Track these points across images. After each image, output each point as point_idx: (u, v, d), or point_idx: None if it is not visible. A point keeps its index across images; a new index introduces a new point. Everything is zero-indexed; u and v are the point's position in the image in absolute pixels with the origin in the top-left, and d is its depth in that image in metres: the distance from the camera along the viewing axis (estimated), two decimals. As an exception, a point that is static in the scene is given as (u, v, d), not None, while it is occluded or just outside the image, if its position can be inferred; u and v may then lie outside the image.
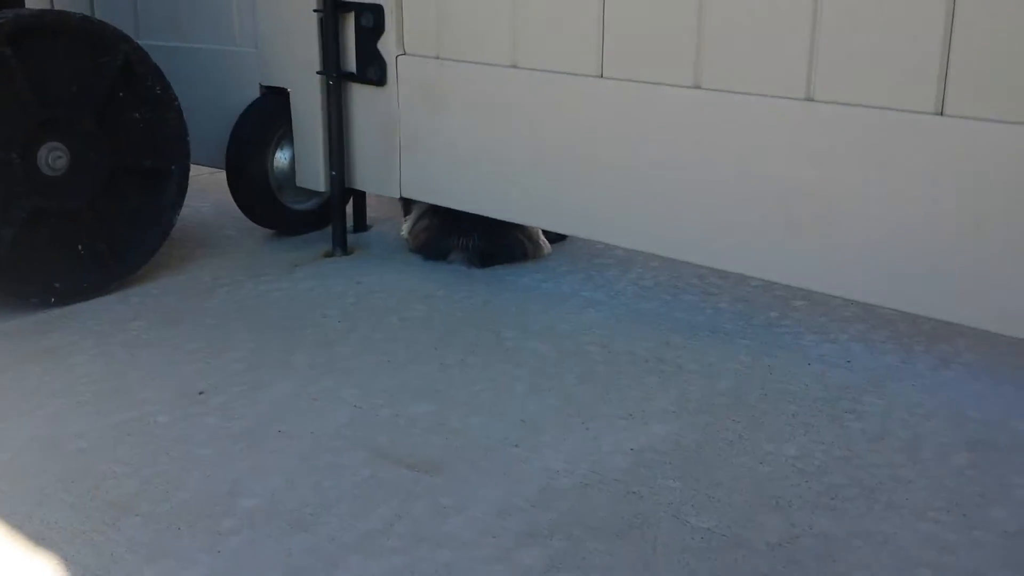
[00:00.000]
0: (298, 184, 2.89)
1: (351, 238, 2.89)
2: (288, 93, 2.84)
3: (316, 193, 3.01)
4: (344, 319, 2.31)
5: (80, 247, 2.41)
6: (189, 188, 2.60)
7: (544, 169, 2.40)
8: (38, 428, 1.78)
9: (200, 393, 1.93)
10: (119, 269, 2.49)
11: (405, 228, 2.84)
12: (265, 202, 2.87)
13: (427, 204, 2.75)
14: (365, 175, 2.78)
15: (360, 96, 2.72)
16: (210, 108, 2.98)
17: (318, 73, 2.72)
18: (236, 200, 2.91)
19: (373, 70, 2.67)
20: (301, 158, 2.85)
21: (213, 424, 1.80)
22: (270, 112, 2.85)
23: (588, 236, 2.42)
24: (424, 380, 1.98)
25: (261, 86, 2.91)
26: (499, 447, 1.70)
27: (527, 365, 2.05)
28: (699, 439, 1.71)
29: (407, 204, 2.89)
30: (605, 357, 2.08)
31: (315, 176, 2.84)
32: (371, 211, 3.11)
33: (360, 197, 2.99)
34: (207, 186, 3.47)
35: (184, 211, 2.61)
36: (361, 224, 3.02)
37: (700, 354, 2.08)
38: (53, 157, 2.34)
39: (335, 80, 2.69)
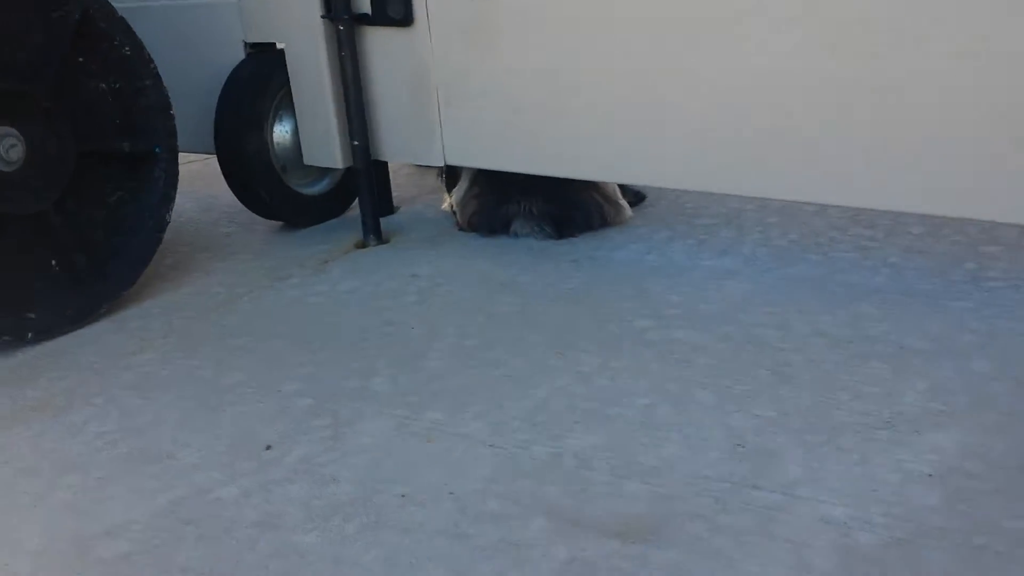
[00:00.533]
0: (306, 162, 2.33)
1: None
2: (282, 50, 2.27)
3: (326, 172, 2.45)
4: (418, 323, 1.77)
5: (53, 262, 1.82)
6: (180, 175, 2.03)
7: (637, 111, 1.89)
8: (53, 527, 1.22)
9: (267, 448, 1.38)
10: (106, 287, 1.91)
11: (451, 201, 2.31)
12: (268, 188, 2.30)
13: (475, 170, 2.22)
14: (394, 143, 2.23)
15: (379, 42, 2.17)
16: (184, 78, 2.40)
17: (323, 18, 2.16)
18: (233, 188, 2.33)
19: (395, 6, 2.11)
20: (307, 130, 2.29)
21: (302, 494, 1.26)
22: (261, 76, 2.27)
23: (699, 188, 1.90)
24: (566, 398, 1.47)
25: (246, 44, 2.33)
26: (734, 491, 1.19)
27: (694, 364, 1.54)
28: (1008, 446, 1.23)
29: (450, 174, 2.34)
30: (791, 342, 1.59)
31: (328, 150, 2.28)
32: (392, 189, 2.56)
33: (382, 173, 2.43)
34: (186, 178, 2.87)
35: (177, 205, 2.04)
36: (386, 206, 2.47)
37: (913, 326, 1.59)
38: (4, 147, 1.74)
39: (346, 24, 2.13)
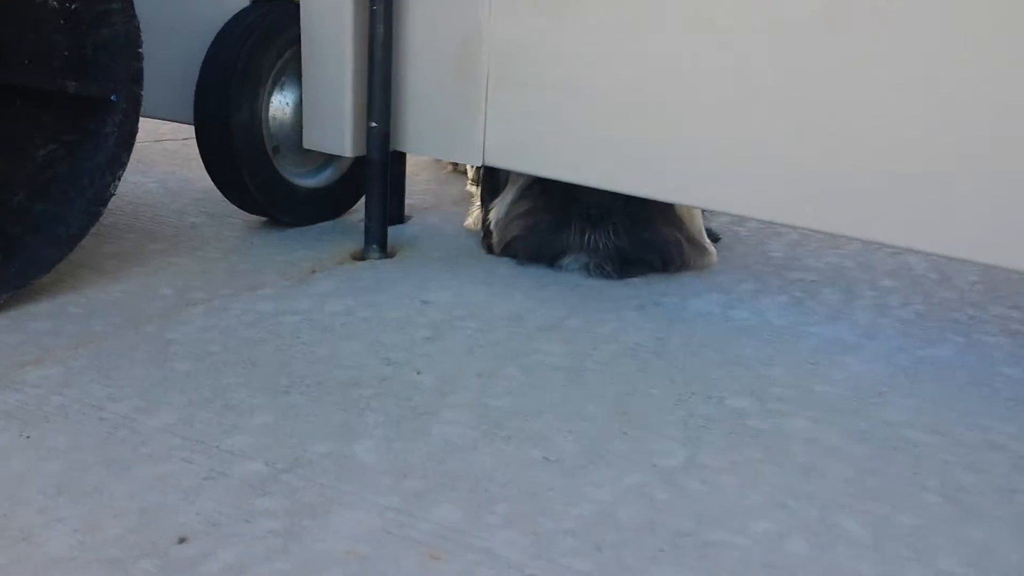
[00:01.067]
0: (306, 146, 1.87)
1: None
2: (298, 2, 1.82)
3: (329, 161, 1.99)
4: (427, 368, 1.30)
5: (-62, 229, 1.35)
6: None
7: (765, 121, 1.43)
8: None
9: (180, 542, 0.90)
10: (11, 269, 1.44)
11: (483, 216, 1.83)
12: (255, 172, 1.83)
13: (525, 180, 1.75)
14: (422, 131, 1.77)
15: (419, 12, 1.71)
16: (172, 28, 1.94)
17: (354, -38, 1.71)
18: (209, 167, 1.87)
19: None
20: (313, 103, 1.83)
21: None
22: (265, 27, 1.82)
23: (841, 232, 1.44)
24: (643, 506, 0.99)
25: (251, -9, 1.88)
26: None
27: (827, 474, 1.07)
28: None
29: (488, 181, 1.87)
30: (959, 455, 1.12)
31: (336, 133, 1.82)
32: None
33: (397, 170, 1.97)
34: (151, 156, 2.42)
35: (120, 187, 1.57)
36: (396, 212, 2.00)
37: None
38: None
39: (381, -29, 1.68)
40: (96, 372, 1.23)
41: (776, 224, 1.70)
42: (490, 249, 1.80)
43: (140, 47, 1.55)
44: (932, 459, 1.11)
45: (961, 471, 1.09)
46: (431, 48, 1.71)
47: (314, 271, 1.66)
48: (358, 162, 1.94)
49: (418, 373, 1.28)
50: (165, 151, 2.57)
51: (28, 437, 1.06)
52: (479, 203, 1.96)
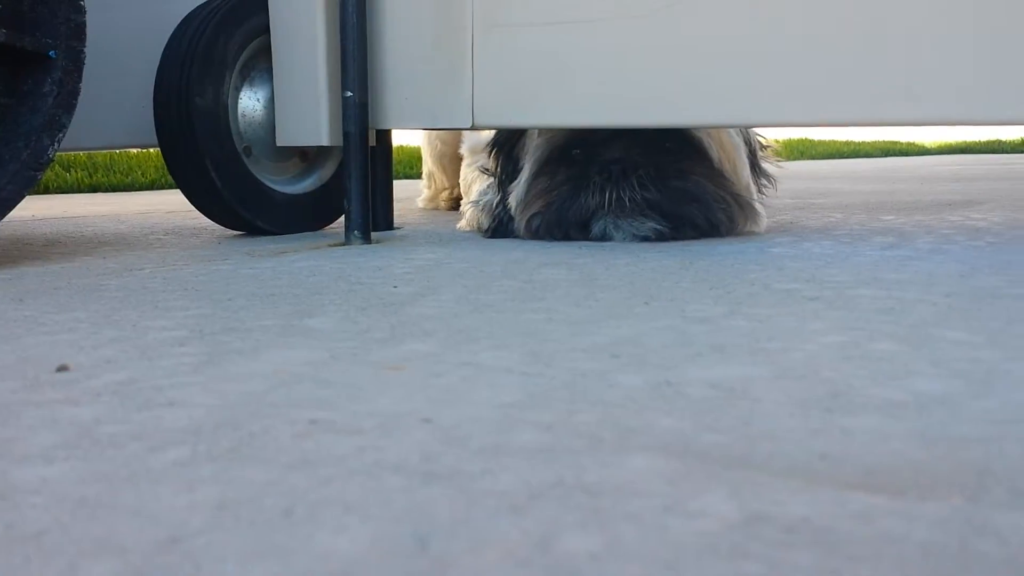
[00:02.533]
0: (279, 142, 1.73)
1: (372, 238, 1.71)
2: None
3: (311, 169, 1.85)
4: (404, 285, 1.11)
5: None
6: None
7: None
8: None
9: (59, 369, 0.70)
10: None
11: (512, 200, 1.60)
12: (221, 166, 1.69)
13: (543, 153, 1.57)
14: (404, 101, 1.63)
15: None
16: (121, 36, 1.85)
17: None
18: (173, 171, 1.73)
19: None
20: (287, 92, 1.70)
21: (87, 416, 0.57)
22: (229, 14, 1.71)
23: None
24: (672, 336, 0.78)
25: (220, -18, 1.79)
26: None
27: (912, 312, 0.85)
28: None
29: (505, 162, 1.68)
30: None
31: (311, 120, 1.68)
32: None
33: (383, 157, 1.81)
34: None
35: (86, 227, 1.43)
36: (383, 214, 1.83)
37: None
38: None
39: (353, -56, 1.59)
40: (38, 298, 1.05)
41: (802, 125, 1.50)
42: (498, 234, 1.62)
43: (82, 0, 1.44)
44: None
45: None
46: (407, 18, 1.59)
47: (285, 253, 1.49)
48: (343, 168, 1.79)
49: (394, 287, 1.09)
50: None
51: None
52: (474, 198, 1.80)
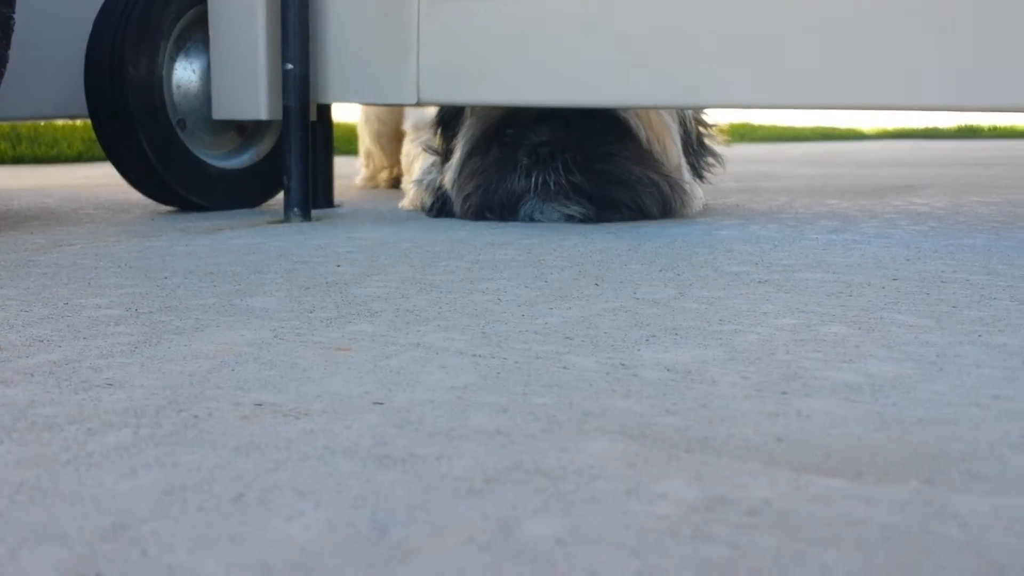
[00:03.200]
0: (215, 115, 1.70)
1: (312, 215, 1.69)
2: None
3: (248, 143, 1.82)
4: (348, 264, 1.09)
5: None
6: None
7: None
8: None
9: (-15, 344, 0.68)
10: None
11: (446, 181, 1.61)
12: (154, 140, 1.65)
13: (477, 131, 1.57)
14: (346, 75, 1.61)
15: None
16: (52, 2, 1.80)
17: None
18: (101, 138, 1.69)
19: None
20: (225, 66, 1.67)
21: (18, 396, 0.55)
22: (167, -15, 1.67)
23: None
24: (624, 318, 0.78)
25: (153, -52, 1.75)
26: None
27: (861, 296, 0.87)
28: None
29: (443, 143, 1.68)
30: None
31: (251, 96, 1.65)
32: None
33: (322, 148, 1.79)
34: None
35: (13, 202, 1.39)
36: (324, 190, 1.81)
37: None
38: None
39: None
40: (-76, 268, 1.01)
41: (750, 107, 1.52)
42: (442, 213, 1.61)
43: (10, -38, 1.39)
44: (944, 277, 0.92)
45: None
46: (352, -26, 1.57)
47: (221, 230, 1.46)
48: (282, 141, 1.77)
49: (338, 266, 1.08)
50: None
51: None
52: (415, 177, 1.79)
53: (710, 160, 1.69)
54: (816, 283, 0.94)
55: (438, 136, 1.70)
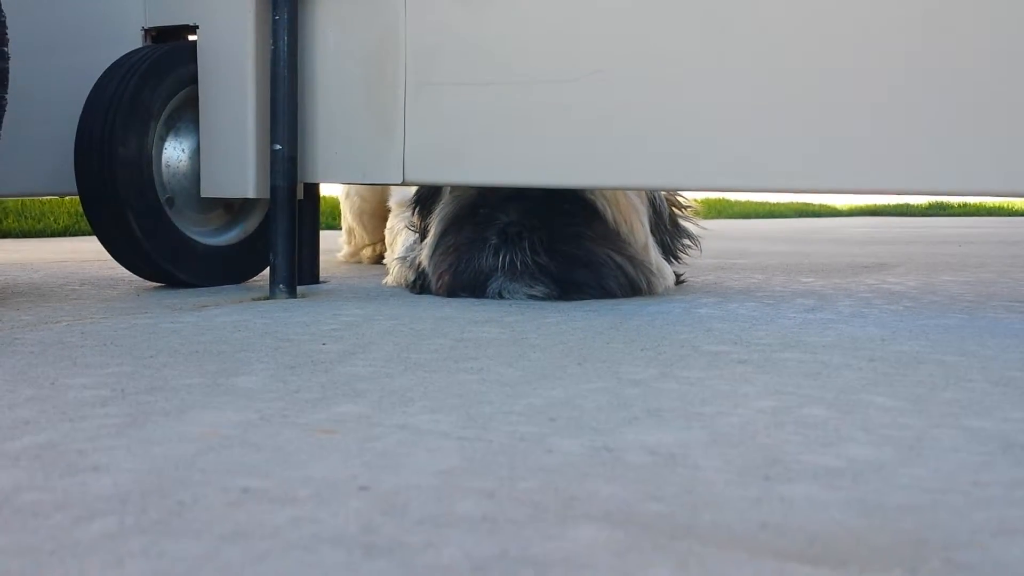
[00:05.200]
0: (204, 194, 1.71)
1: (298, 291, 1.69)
2: (191, 42, 1.71)
3: (239, 217, 1.83)
4: (334, 343, 1.09)
5: None
6: None
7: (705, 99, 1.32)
8: None
9: (-30, 426, 0.67)
10: None
11: (423, 258, 1.63)
12: (143, 217, 1.65)
13: (452, 211, 1.59)
14: (334, 155, 1.63)
15: (330, 15, 1.61)
16: (45, 83, 1.82)
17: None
18: (90, 216, 1.69)
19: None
20: (214, 146, 1.68)
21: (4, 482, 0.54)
22: (155, 63, 1.69)
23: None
24: (607, 399, 0.78)
25: (145, 31, 1.77)
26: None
27: (840, 376, 0.87)
28: None
29: (421, 223, 1.69)
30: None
31: (239, 175, 1.66)
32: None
33: (309, 223, 1.80)
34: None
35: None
36: (311, 274, 1.82)
37: None
38: None
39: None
40: (-90, 346, 1.00)
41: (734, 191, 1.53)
42: (425, 290, 1.62)
43: (5, 45, 1.41)
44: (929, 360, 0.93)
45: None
46: (341, 56, 1.60)
47: (207, 307, 1.46)
48: (269, 218, 1.77)
49: (323, 344, 1.07)
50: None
51: None
52: (399, 254, 1.80)
53: (685, 242, 1.71)
54: (794, 363, 0.95)
55: (416, 215, 1.73)
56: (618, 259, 1.56)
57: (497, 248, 1.50)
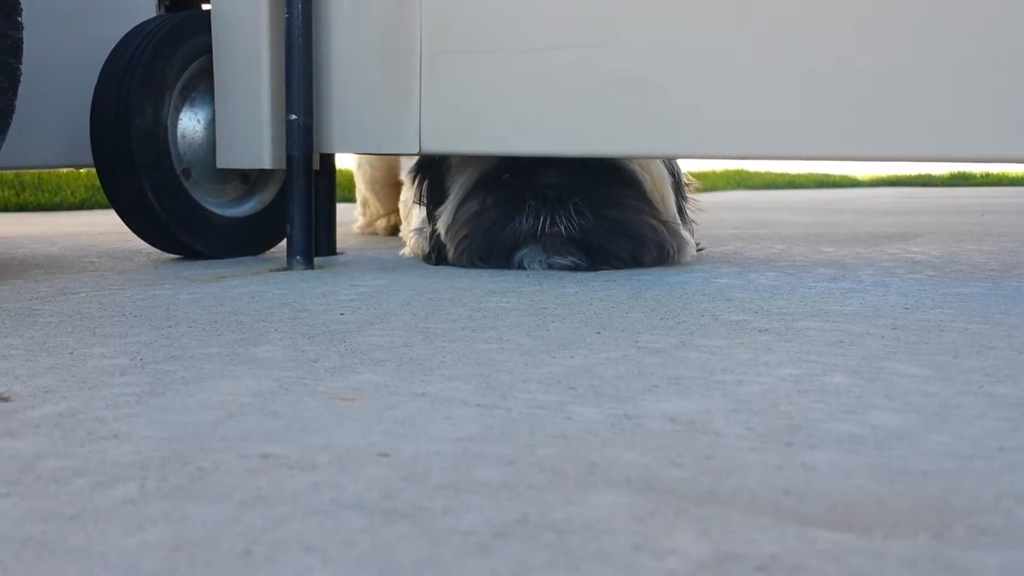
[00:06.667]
0: (219, 165, 1.71)
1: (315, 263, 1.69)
2: (205, 11, 1.71)
3: (255, 188, 1.83)
4: (351, 312, 1.09)
5: None
6: None
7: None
8: None
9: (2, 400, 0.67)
10: None
11: (440, 226, 1.61)
12: (159, 189, 1.66)
13: (472, 178, 1.58)
14: (349, 125, 1.62)
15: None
16: (59, 53, 1.82)
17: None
18: (107, 188, 1.69)
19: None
20: (229, 116, 1.68)
21: (26, 449, 0.55)
22: (169, 34, 1.68)
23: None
24: (626, 367, 0.78)
25: (160, 1, 1.77)
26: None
27: (860, 345, 0.87)
28: None
29: (434, 189, 1.68)
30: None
31: (255, 146, 1.66)
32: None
33: (324, 195, 1.80)
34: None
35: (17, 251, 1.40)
36: (326, 243, 1.82)
37: None
38: None
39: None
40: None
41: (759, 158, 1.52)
42: (441, 261, 1.61)
43: (19, 15, 1.41)
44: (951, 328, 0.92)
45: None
46: (357, 24, 1.59)
47: (224, 278, 1.46)
48: (285, 188, 1.77)
49: (341, 315, 1.08)
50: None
51: None
52: (415, 226, 1.79)
53: (687, 214, 1.71)
54: (816, 332, 0.94)
55: (416, 184, 1.71)
56: (657, 226, 1.54)
57: (538, 210, 1.47)
